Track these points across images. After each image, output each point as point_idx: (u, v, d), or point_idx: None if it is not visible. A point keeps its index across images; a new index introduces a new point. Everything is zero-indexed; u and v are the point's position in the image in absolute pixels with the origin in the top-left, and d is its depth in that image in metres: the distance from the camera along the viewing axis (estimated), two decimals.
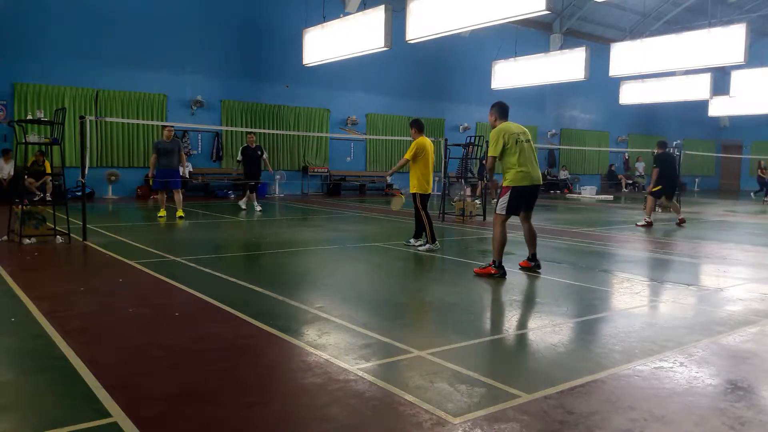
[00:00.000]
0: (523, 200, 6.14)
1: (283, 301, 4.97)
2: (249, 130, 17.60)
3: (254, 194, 13.19)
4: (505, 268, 6.11)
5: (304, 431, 2.68)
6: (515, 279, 6.30)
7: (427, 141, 7.93)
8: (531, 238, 6.43)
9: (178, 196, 11.40)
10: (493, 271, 6.03)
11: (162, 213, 11.37)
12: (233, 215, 12.46)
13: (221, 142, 17.82)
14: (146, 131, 16.59)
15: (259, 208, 12.95)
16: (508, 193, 6.05)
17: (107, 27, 15.51)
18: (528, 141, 6.14)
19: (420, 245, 8.03)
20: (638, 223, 11.47)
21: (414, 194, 7.98)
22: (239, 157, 13.16)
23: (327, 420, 2.76)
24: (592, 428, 2.68)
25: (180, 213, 11.22)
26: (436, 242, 7.92)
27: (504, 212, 6.08)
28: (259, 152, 13.13)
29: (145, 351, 3.67)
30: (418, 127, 7.97)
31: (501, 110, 6.26)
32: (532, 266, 6.46)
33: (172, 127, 11.66)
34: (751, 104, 22.62)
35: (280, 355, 3.71)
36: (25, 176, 11.52)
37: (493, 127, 6.23)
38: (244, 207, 13.33)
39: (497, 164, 6.21)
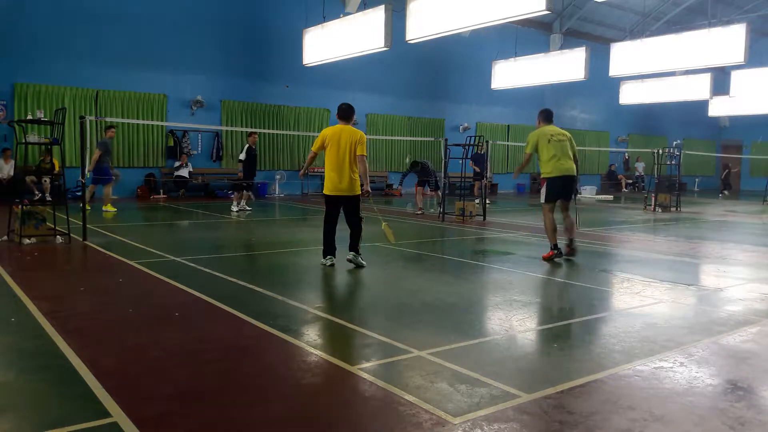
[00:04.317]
0: (558, 188, 7.14)
1: (283, 301, 4.97)
2: (249, 130, 17.62)
3: (248, 194, 13.23)
4: (561, 250, 7.17)
5: (303, 431, 2.68)
6: (515, 279, 6.30)
7: (336, 128, 6.52)
8: (569, 227, 7.31)
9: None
10: (552, 254, 7.11)
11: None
12: (233, 215, 12.45)
13: (221, 142, 17.81)
14: (146, 131, 16.59)
15: (245, 208, 12.96)
16: (546, 184, 7.17)
17: (107, 27, 15.50)
18: (562, 141, 7.09)
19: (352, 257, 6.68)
20: None
21: None
22: (243, 157, 12.81)
23: (327, 420, 2.76)
24: (592, 428, 2.68)
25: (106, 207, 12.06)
26: (326, 259, 6.67)
27: (545, 200, 7.19)
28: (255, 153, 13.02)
29: (145, 351, 3.67)
30: (337, 111, 6.72)
31: (545, 115, 7.35)
32: (570, 250, 7.25)
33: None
34: (751, 104, 22.63)
35: (280, 355, 3.71)
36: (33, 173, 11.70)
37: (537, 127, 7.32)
38: (244, 208, 13.00)
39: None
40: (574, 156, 7.28)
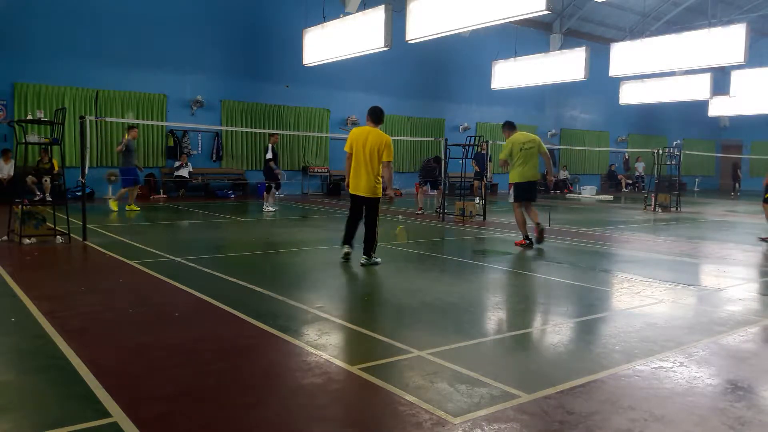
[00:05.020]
0: (524, 191, 8.38)
1: (283, 301, 4.97)
2: (249, 130, 17.68)
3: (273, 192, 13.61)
4: (531, 240, 8.27)
5: (304, 431, 2.68)
6: (515, 279, 6.30)
7: (363, 130, 6.64)
8: (531, 215, 8.41)
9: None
10: (524, 243, 8.27)
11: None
12: (233, 215, 12.47)
13: (221, 142, 17.81)
14: (146, 131, 16.58)
15: (273, 208, 13.26)
16: (513, 187, 8.44)
17: (107, 27, 15.50)
18: (530, 148, 8.29)
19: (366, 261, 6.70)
20: (762, 237, 9.76)
21: None
22: (270, 156, 13.11)
23: (327, 420, 2.76)
24: (592, 428, 2.68)
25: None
26: (344, 247, 6.86)
27: (514, 200, 8.46)
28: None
29: (145, 351, 3.67)
30: (368, 113, 6.79)
31: (510, 126, 8.74)
32: (539, 232, 8.24)
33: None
34: (751, 104, 22.63)
35: (280, 355, 3.71)
36: (32, 173, 11.76)
37: (507, 138, 8.56)
38: (272, 208, 13.22)
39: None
40: (545, 154, 8.49)
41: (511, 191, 8.52)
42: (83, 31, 15.22)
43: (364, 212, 6.76)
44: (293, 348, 3.77)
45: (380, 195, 6.65)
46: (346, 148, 6.72)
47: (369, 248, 6.67)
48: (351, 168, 6.64)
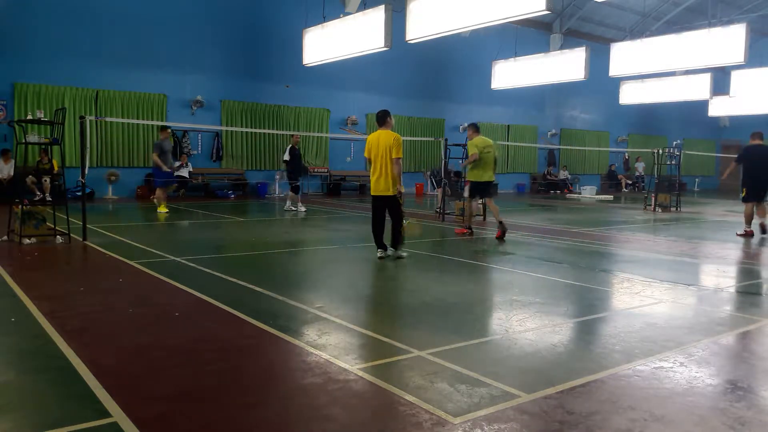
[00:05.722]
0: (479, 190, 9.39)
1: (283, 301, 4.97)
2: (249, 130, 17.68)
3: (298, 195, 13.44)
4: (473, 230, 9.62)
5: (304, 431, 2.68)
6: (515, 279, 6.30)
7: (375, 134, 7.13)
8: (495, 212, 9.32)
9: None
10: (465, 231, 9.53)
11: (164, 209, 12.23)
12: (233, 215, 12.47)
13: (221, 142, 17.81)
14: (146, 131, 16.58)
15: (303, 209, 13.21)
16: (469, 185, 9.44)
17: (107, 27, 15.51)
18: (489, 153, 9.19)
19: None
20: (738, 233, 10.21)
21: None
22: (287, 157, 13.10)
23: (327, 420, 2.76)
24: (592, 428, 2.68)
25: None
26: (378, 251, 7.21)
27: (469, 196, 9.59)
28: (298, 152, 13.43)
29: (145, 351, 3.67)
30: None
31: (476, 128, 9.81)
32: (501, 233, 9.07)
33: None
34: (751, 104, 22.63)
35: (280, 355, 3.71)
36: (32, 173, 11.72)
37: (470, 138, 9.59)
38: (303, 208, 13.22)
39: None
40: (495, 159, 9.39)
41: (467, 188, 9.57)
42: (83, 31, 15.22)
43: (386, 212, 7.17)
44: (293, 348, 3.77)
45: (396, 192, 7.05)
46: (366, 154, 7.20)
47: (395, 242, 7.13)
48: (371, 171, 7.11)
